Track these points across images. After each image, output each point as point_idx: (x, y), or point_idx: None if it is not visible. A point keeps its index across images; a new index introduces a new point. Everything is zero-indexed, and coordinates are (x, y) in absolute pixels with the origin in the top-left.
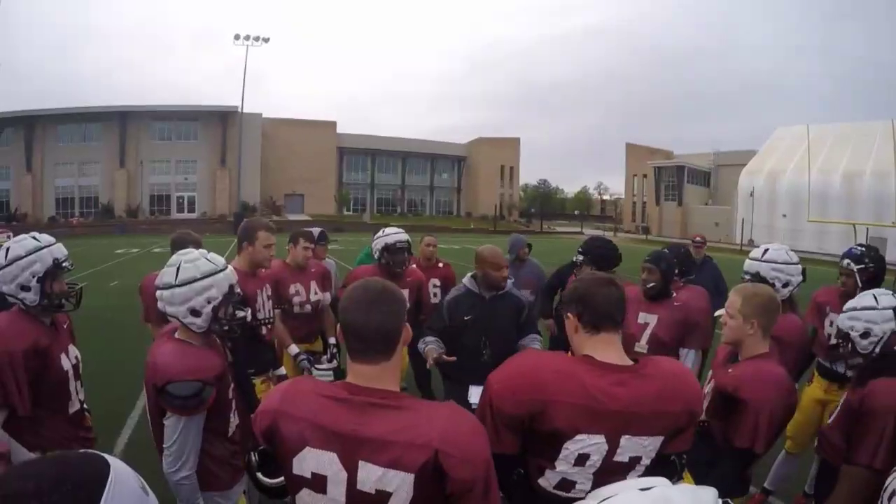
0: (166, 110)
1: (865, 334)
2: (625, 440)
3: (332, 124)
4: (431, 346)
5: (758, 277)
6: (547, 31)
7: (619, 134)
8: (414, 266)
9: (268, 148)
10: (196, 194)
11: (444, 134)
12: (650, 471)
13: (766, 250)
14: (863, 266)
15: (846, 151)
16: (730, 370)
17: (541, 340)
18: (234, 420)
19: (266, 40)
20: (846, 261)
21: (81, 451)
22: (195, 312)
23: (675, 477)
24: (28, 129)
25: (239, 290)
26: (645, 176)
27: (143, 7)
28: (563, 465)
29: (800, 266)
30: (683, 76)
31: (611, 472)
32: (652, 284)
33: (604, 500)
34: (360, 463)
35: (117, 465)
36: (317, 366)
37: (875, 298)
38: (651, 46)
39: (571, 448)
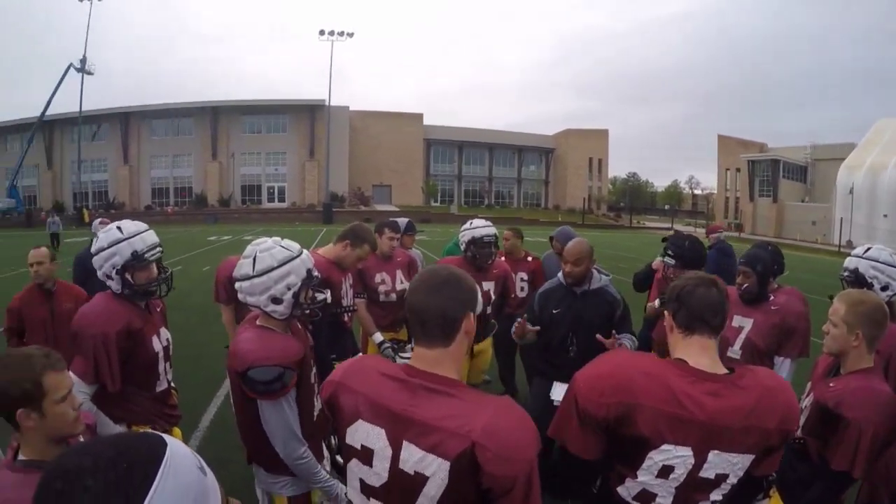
0: (256, 104)
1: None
2: (713, 455)
3: (419, 116)
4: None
5: (856, 275)
6: (637, 17)
7: (711, 125)
8: (501, 258)
9: (355, 140)
10: (286, 185)
11: (531, 125)
12: (736, 490)
13: (869, 248)
14: None
15: None
16: (831, 384)
17: (633, 341)
18: (318, 404)
19: (350, 35)
20: None
21: (141, 431)
22: (276, 300)
23: (761, 495)
24: (124, 125)
25: (317, 273)
26: (738, 170)
27: (230, 6)
28: (645, 476)
29: None
30: (779, 63)
31: (694, 487)
32: (747, 287)
33: None
34: (405, 443)
35: (174, 445)
36: (401, 354)
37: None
38: (745, 32)
39: (656, 458)
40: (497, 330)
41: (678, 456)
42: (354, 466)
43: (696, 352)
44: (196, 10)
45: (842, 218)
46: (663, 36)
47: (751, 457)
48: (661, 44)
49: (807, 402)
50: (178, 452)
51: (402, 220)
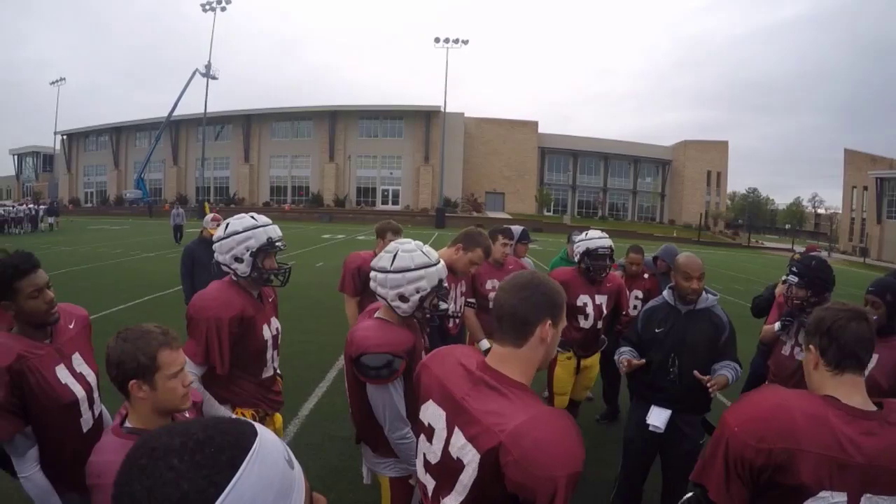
0: (373, 109)
1: None
2: (865, 499)
3: (534, 124)
4: (625, 356)
5: None
6: (758, 21)
7: (838, 137)
8: (616, 272)
9: (470, 146)
10: (400, 188)
11: (647, 135)
12: None
13: None
14: None
15: None
16: None
17: (736, 371)
18: None
19: (465, 42)
20: None
21: (234, 417)
22: (403, 298)
23: None
24: (246, 126)
25: (447, 284)
26: (865, 188)
27: (349, 15)
28: None
29: None
30: None
31: None
32: (874, 318)
33: None
34: (455, 429)
35: (265, 435)
36: None
37: None
38: (877, 35)
39: None
40: (605, 347)
41: (834, 502)
42: (422, 442)
43: (849, 390)
44: (317, 18)
45: None
46: (789, 41)
47: None
48: (787, 49)
49: None
50: (268, 442)
51: (517, 228)
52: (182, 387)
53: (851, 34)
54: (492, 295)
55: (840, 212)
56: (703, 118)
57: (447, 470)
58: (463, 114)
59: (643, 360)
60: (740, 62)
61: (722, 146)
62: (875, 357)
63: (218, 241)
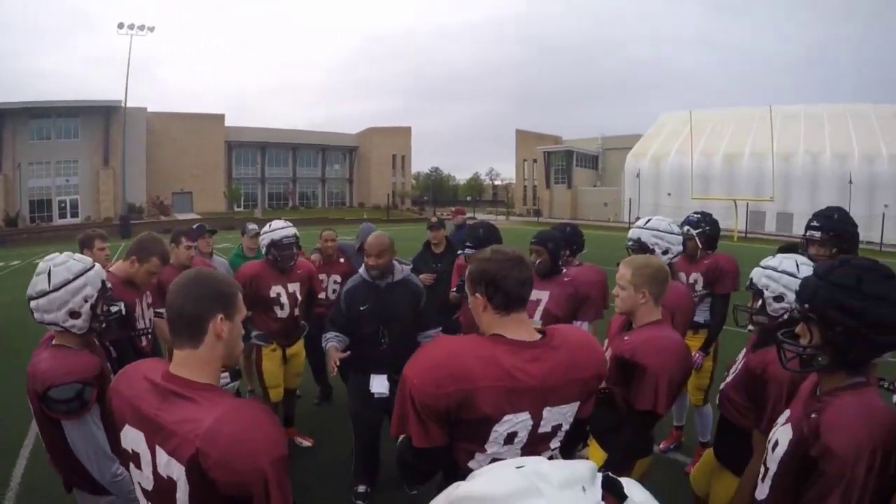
0: (44, 106)
1: (779, 298)
2: (547, 412)
3: (220, 117)
4: (332, 345)
5: (639, 243)
6: (441, 21)
7: (510, 122)
8: (309, 258)
9: (153, 144)
10: (79, 197)
11: (336, 125)
12: (569, 435)
13: (650, 220)
14: (700, 230)
15: (726, 135)
16: (626, 338)
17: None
18: None
19: (151, 30)
20: (686, 227)
21: None
22: (75, 314)
23: (581, 445)
24: None
25: (110, 284)
26: (535, 161)
27: None
28: (494, 447)
29: (680, 237)
30: (573, 67)
31: (537, 443)
32: (540, 263)
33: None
34: (157, 447)
35: None
36: None
37: (797, 266)
38: (542, 39)
39: (500, 430)
40: (308, 331)
41: (519, 421)
42: (133, 470)
43: (515, 326)
44: None
45: (630, 199)
46: (467, 40)
47: (577, 403)
48: (465, 47)
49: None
50: None
51: (194, 227)
52: None
53: (524, 36)
54: None
55: (514, 181)
56: (388, 107)
57: (163, 492)
58: (146, 108)
59: (347, 353)
60: (424, 56)
61: (405, 131)
62: (547, 293)
63: None
